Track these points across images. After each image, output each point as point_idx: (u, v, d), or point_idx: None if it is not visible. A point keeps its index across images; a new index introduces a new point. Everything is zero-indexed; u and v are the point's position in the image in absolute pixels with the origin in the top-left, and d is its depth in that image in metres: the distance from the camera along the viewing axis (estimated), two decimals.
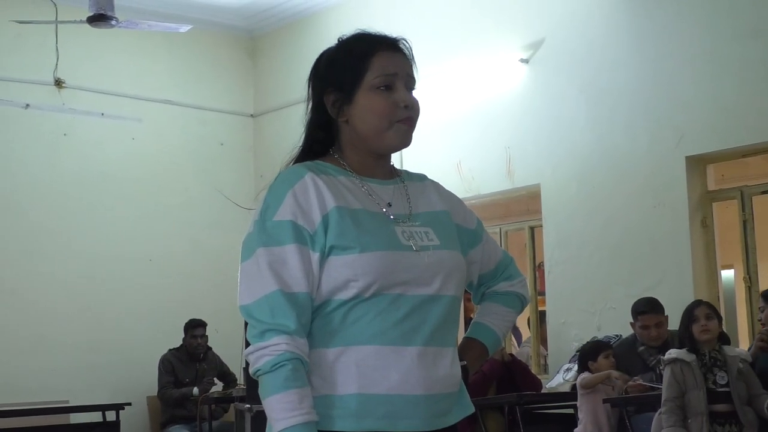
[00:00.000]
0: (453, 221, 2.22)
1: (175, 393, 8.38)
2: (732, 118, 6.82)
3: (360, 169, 2.15)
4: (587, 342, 6.82)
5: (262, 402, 1.98)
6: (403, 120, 2.11)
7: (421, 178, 2.28)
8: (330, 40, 2.21)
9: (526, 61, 7.94)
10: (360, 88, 2.11)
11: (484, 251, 2.30)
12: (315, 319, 2.04)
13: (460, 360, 2.20)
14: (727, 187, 7.49)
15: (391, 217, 2.11)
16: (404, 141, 2.13)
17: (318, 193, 2.05)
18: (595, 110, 7.52)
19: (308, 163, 2.13)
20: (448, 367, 2.08)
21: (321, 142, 2.18)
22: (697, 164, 7.10)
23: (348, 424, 1.99)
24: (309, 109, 2.20)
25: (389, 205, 2.13)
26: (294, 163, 2.17)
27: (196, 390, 8.35)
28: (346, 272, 2.01)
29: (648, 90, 7.23)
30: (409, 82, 2.14)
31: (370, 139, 2.13)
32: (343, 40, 2.18)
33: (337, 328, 2.02)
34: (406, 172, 2.26)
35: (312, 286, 2.02)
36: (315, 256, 2.02)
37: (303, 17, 9.81)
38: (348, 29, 2.20)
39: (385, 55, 2.13)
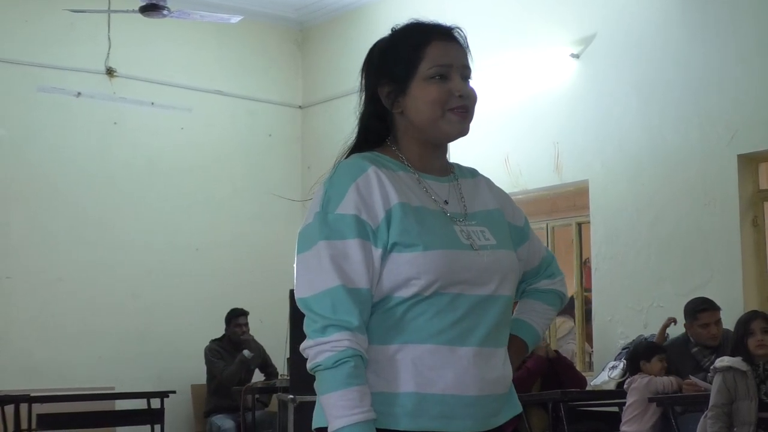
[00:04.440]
0: (505, 220, 2.21)
1: (234, 366, 8.40)
2: None
3: (418, 162, 2.13)
4: (641, 342, 6.72)
5: (320, 398, 1.96)
6: (456, 108, 2.08)
7: (473, 173, 2.26)
8: (380, 32, 2.18)
9: (576, 56, 7.87)
10: (414, 79, 2.09)
11: (530, 249, 2.29)
12: (373, 315, 2.01)
13: None
14: None
15: (449, 215, 2.10)
16: (461, 129, 2.11)
17: (381, 188, 2.02)
18: (646, 106, 7.43)
19: (368, 154, 2.11)
20: (500, 367, 2.07)
21: (376, 132, 2.16)
22: (749, 162, 6.99)
23: (404, 423, 1.98)
24: (362, 101, 2.17)
25: (446, 202, 2.12)
26: (350, 154, 2.15)
27: (246, 352, 8.42)
28: (409, 270, 1.99)
29: (700, 86, 7.12)
30: (465, 72, 2.12)
31: (425, 129, 2.10)
32: (396, 30, 2.16)
33: (395, 325, 2.00)
34: (458, 166, 2.24)
35: (372, 282, 2.00)
36: (377, 252, 2.00)
37: (353, 9, 9.79)
38: (396, 21, 2.17)
39: (439, 45, 2.10)
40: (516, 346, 2.27)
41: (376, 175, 2.03)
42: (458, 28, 2.16)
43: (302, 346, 1.98)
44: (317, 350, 1.94)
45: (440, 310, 1.99)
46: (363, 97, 2.17)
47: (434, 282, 1.98)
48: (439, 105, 2.07)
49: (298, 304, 2.01)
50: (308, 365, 1.97)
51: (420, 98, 2.08)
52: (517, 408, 2.14)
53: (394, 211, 2.01)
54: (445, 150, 2.18)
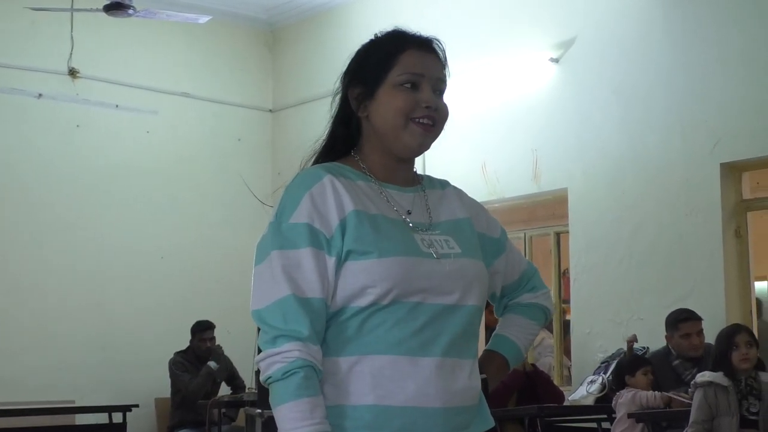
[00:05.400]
0: (475, 229, 2.18)
1: (200, 379, 8.23)
2: None
3: (381, 173, 2.11)
4: (625, 355, 6.65)
5: (273, 410, 1.93)
6: (421, 118, 2.05)
7: (443, 184, 2.23)
8: (353, 34, 2.07)
9: (556, 60, 7.76)
10: (383, 84, 2.07)
11: (507, 261, 2.25)
12: (330, 326, 1.98)
13: (480, 373, 2.14)
14: (763, 196, 7.33)
15: (410, 224, 2.07)
16: (422, 143, 2.07)
17: (336, 196, 2.00)
18: (627, 113, 7.32)
19: (327, 164, 2.09)
20: (467, 379, 2.03)
21: (343, 139, 2.14)
22: (731, 171, 6.90)
23: None
24: (335, 104, 2.16)
25: (408, 212, 2.09)
26: (314, 160, 2.14)
27: (212, 363, 8.25)
28: (364, 278, 1.95)
29: (682, 93, 7.03)
30: (438, 85, 2.09)
31: (386, 137, 2.07)
32: (377, 35, 2.15)
33: (352, 336, 1.97)
34: (428, 178, 2.22)
35: (327, 292, 1.97)
36: (331, 261, 1.97)
37: (325, 10, 9.68)
38: (371, 23, 2.11)
39: (414, 54, 2.08)
40: (497, 363, 2.24)
41: (332, 183, 2.01)
42: (438, 40, 2.14)
43: (256, 359, 1.97)
44: (269, 362, 1.93)
45: (400, 319, 1.96)
46: (337, 101, 2.16)
47: (391, 290, 1.95)
48: (404, 113, 2.05)
49: (253, 317, 1.98)
50: (261, 378, 1.96)
51: (386, 104, 2.06)
52: (489, 422, 2.11)
53: (349, 219, 1.99)
54: (411, 163, 2.16)
